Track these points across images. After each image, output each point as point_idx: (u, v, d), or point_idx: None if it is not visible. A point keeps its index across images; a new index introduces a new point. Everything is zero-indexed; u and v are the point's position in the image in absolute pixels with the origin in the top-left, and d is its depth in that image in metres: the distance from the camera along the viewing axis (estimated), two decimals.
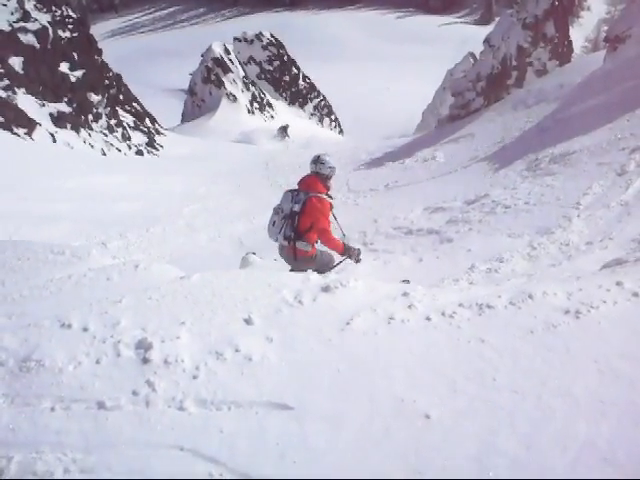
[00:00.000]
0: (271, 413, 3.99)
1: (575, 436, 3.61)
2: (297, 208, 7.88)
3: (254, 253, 11.28)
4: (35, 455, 3.77)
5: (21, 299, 5.88)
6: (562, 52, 29.37)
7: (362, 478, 3.50)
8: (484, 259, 10.48)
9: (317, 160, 8.16)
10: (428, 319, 4.94)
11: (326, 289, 5.38)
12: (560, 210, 12.17)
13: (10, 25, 26.12)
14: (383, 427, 3.83)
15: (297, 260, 8.16)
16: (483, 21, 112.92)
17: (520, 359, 4.38)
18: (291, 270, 8.16)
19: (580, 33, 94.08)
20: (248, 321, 4.89)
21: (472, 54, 35.08)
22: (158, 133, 34.76)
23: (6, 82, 25.03)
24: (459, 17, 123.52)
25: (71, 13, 30.53)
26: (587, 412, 3.82)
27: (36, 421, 4.03)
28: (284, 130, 43.26)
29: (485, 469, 3.46)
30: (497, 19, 35.98)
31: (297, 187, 8.14)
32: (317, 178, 8.10)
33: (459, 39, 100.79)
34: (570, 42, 31.16)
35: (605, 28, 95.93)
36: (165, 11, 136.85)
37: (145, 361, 4.49)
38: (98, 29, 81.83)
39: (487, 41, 30.12)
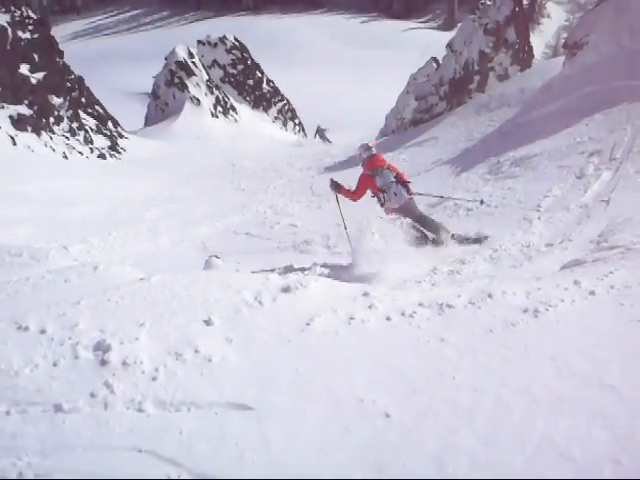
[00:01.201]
0: (230, 414, 3.98)
1: (533, 433, 3.66)
2: (393, 177, 10.76)
3: (217, 257, 11.24)
4: None
5: None
6: (523, 57, 29.77)
7: (322, 478, 3.50)
8: (446, 261, 10.54)
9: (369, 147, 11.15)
10: (388, 319, 4.97)
11: (286, 290, 5.39)
12: (521, 212, 12.33)
13: None
14: (343, 426, 3.83)
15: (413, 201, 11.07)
16: (446, 26, 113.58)
17: (479, 358, 4.42)
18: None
19: (540, 39, 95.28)
20: (208, 322, 4.88)
21: (435, 59, 35.30)
22: (121, 136, 34.43)
23: None
24: (422, 22, 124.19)
25: (31, 14, 30.05)
26: (545, 409, 3.86)
27: None
28: (323, 133, 43.43)
29: (444, 467, 3.49)
30: (459, 25, 36.33)
31: (379, 167, 10.79)
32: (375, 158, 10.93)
33: (422, 44, 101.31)
34: (531, 48, 31.59)
35: (564, 35, 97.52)
36: (128, 14, 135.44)
37: (103, 363, 4.45)
38: (60, 31, 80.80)
39: (450, 46, 30.40)
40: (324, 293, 5.47)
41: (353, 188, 11.11)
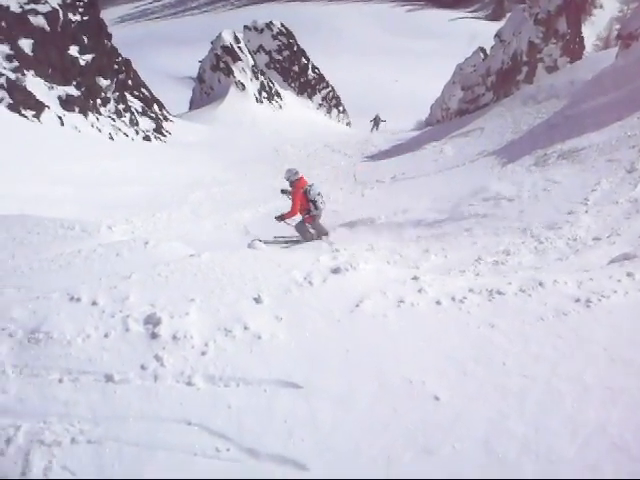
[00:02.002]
0: (279, 391, 4.00)
1: (585, 421, 3.61)
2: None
3: (260, 240, 11.27)
4: (43, 425, 3.78)
5: (30, 272, 5.89)
6: (573, 49, 29.22)
7: (371, 458, 3.50)
8: (491, 252, 10.44)
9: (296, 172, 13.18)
10: (438, 303, 4.94)
11: (336, 271, 5.39)
12: (568, 205, 12.12)
13: (21, 7, 25.98)
14: (392, 408, 3.83)
15: None
16: (494, 16, 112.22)
17: (530, 345, 4.38)
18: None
19: (592, 31, 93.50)
20: (257, 300, 4.90)
21: (482, 49, 34.92)
22: (166, 119, 34.69)
23: (15, 64, 24.95)
24: (470, 12, 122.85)
25: None
26: (597, 398, 3.81)
27: (44, 392, 4.04)
28: (377, 121, 43.52)
29: (494, 451, 3.46)
30: (508, 15, 35.80)
31: (306, 185, 13.03)
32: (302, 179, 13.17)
33: (469, 34, 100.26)
34: (582, 39, 30.97)
35: (617, 26, 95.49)
36: None
37: (154, 336, 4.50)
38: (108, 14, 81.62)
39: (498, 36, 29.98)
40: (373, 275, 5.46)
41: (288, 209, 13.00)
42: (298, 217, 13.24)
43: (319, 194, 13.01)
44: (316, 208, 13.00)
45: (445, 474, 3.38)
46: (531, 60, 27.66)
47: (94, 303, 4.88)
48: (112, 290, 5.04)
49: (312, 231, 13.43)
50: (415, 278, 5.37)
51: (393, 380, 4.06)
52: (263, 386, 4.03)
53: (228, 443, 3.60)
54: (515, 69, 27.86)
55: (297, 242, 13.49)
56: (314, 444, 3.59)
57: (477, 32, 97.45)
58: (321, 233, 13.43)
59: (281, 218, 13.07)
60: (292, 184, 13.00)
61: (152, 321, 4.64)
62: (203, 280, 5.21)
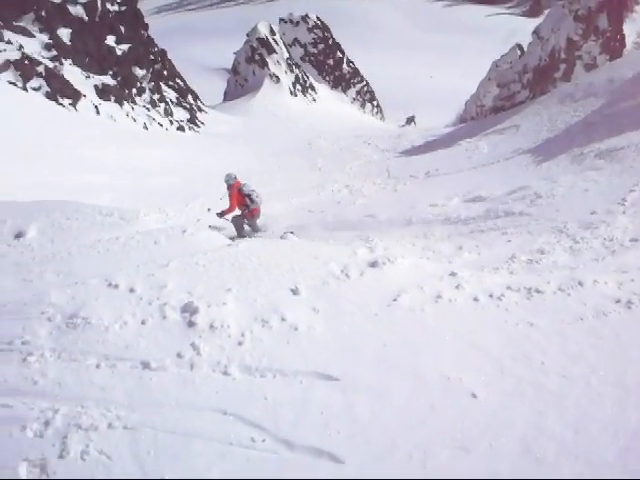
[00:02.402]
0: (316, 383, 3.98)
1: (626, 424, 3.56)
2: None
3: (292, 232, 11.26)
4: (80, 409, 3.81)
5: (69, 257, 5.95)
6: (614, 46, 28.73)
7: (407, 452, 3.47)
8: (525, 250, 10.31)
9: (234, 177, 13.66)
10: (476, 300, 4.90)
11: (373, 264, 5.36)
12: (604, 205, 11.93)
13: None
14: (429, 403, 3.80)
15: None
16: (531, 13, 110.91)
17: (569, 344, 4.32)
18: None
19: (633, 28, 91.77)
20: (294, 291, 4.89)
21: (519, 46, 34.57)
22: (200, 110, 34.88)
23: (54, 53, 25.25)
24: (507, 8, 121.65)
25: None
26: (638, 401, 3.75)
27: (82, 376, 4.07)
28: (411, 120, 43.54)
29: (531, 450, 3.42)
30: (547, 11, 35.36)
31: (240, 185, 13.55)
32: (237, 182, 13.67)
33: (505, 30, 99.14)
34: (623, 36, 30.45)
35: None
36: None
37: (191, 324, 4.52)
38: (145, 5, 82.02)
39: (536, 32, 29.61)
40: (411, 270, 5.42)
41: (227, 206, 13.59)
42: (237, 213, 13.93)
43: (253, 190, 13.80)
44: (252, 202, 13.75)
45: (482, 472, 3.35)
46: (569, 57, 27.27)
47: (132, 290, 4.91)
48: (150, 277, 5.06)
49: (247, 228, 14.28)
50: (453, 274, 5.32)
51: (430, 376, 4.03)
52: (299, 378, 4.02)
53: (264, 434, 3.60)
54: (553, 66, 27.50)
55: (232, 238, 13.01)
56: (350, 437, 3.57)
57: (514, 28, 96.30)
58: (255, 230, 14.36)
59: (221, 214, 13.84)
60: (230, 187, 13.75)
61: (189, 309, 4.65)
62: (240, 270, 5.21)
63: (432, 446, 3.50)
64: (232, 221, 14.07)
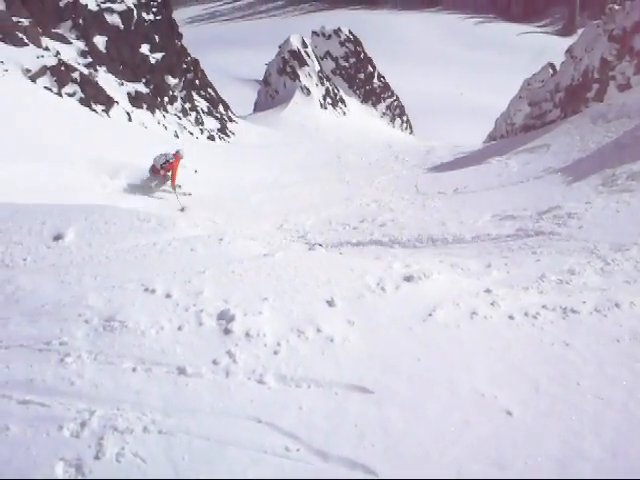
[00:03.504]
0: (351, 395, 4.00)
1: None
2: None
3: (320, 245, 11.28)
4: (116, 412, 3.86)
5: (106, 261, 6.02)
6: None
7: (441, 468, 3.47)
8: (554, 270, 10.23)
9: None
10: (511, 318, 4.89)
11: (409, 279, 5.37)
12: (636, 228, 11.82)
13: (98, 5, 26.66)
14: (463, 419, 3.80)
15: None
16: (564, 32, 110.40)
17: (605, 366, 4.29)
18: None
19: None
20: (330, 303, 4.92)
21: (551, 64, 34.42)
22: (230, 120, 35.11)
23: (89, 60, 25.57)
24: (540, 26, 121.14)
25: None
26: None
27: (118, 379, 4.12)
28: None
29: (567, 470, 3.40)
30: (579, 31, 35.20)
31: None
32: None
33: (536, 49, 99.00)
34: None
35: None
36: (245, 1, 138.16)
37: (227, 332, 4.56)
38: (179, 14, 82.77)
39: (569, 51, 29.43)
40: (446, 286, 5.42)
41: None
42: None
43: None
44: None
45: None
46: (602, 77, 27.04)
47: (168, 295, 4.96)
48: (186, 284, 5.12)
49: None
50: (488, 291, 5.32)
51: (465, 391, 4.03)
52: (334, 389, 4.04)
53: (298, 443, 3.62)
54: (585, 86, 27.29)
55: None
56: (384, 450, 3.58)
57: (545, 47, 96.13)
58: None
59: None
60: (174, 158, 17.36)
61: (225, 317, 4.69)
62: (276, 280, 5.25)
63: (466, 461, 3.49)
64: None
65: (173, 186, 17.33)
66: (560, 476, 3.40)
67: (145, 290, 5.02)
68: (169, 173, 17.38)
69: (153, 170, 17.36)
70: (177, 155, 17.69)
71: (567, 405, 3.91)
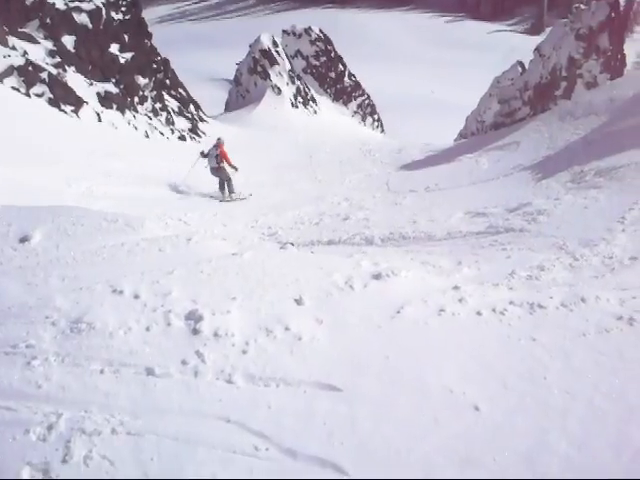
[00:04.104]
0: (319, 393, 4.01)
1: (629, 441, 3.58)
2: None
3: (292, 244, 11.28)
4: (84, 414, 3.83)
5: (74, 263, 5.97)
6: (614, 66, 28.80)
7: (410, 465, 3.49)
8: (524, 266, 10.32)
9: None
10: (479, 314, 4.93)
11: (377, 277, 5.39)
12: (604, 223, 11.96)
13: (66, 4, 26.35)
14: (432, 416, 3.82)
15: None
16: (533, 31, 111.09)
17: (572, 361, 4.35)
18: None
19: (633, 49, 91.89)
20: (299, 301, 4.92)
21: (520, 63, 34.60)
22: (201, 120, 34.90)
23: (58, 60, 25.28)
24: (509, 25, 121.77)
25: None
26: None
27: (85, 381, 4.09)
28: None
29: (535, 465, 3.44)
30: (548, 29, 35.48)
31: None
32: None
33: (506, 47, 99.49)
34: (623, 56, 30.51)
35: None
36: (214, 1, 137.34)
37: (195, 332, 4.54)
38: (148, 14, 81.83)
39: (538, 50, 29.67)
40: (414, 283, 5.46)
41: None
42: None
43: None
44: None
45: None
46: (570, 75, 27.35)
47: (136, 296, 4.93)
48: (154, 284, 5.09)
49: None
50: (456, 288, 5.36)
51: (433, 388, 4.05)
52: (303, 387, 4.04)
53: (267, 442, 3.62)
54: (553, 84, 27.57)
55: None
56: (353, 448, 3.59)
57: (514, 46, 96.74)
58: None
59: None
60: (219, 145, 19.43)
61: (194, 317, 4.68)
62: (245, 279, 5.24)
63: (436, 458, 3.52)
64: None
65: (233, 166, 19.82)
66: (528, 470, 3.43)
67: (113, 291, 4.99)
68: (223, 163, 19.56)
69: (216, 170, 19.57)
70: (219, 143, 19.79)
71: (534, 400, 3.96)
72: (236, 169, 19.95)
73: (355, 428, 3.72)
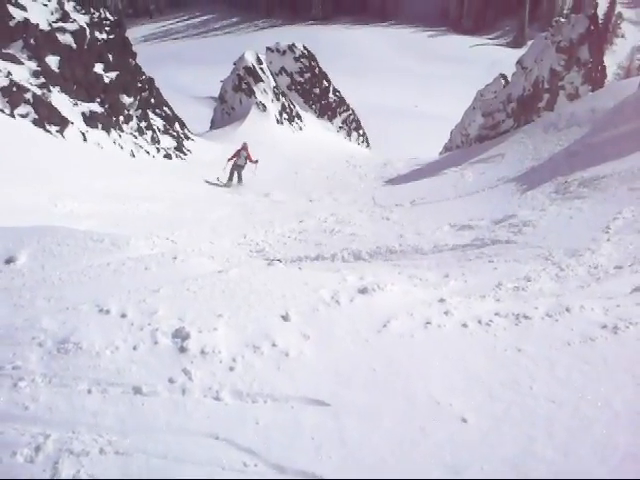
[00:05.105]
0: (307, 408, 4.02)
1: (614, 447, 3.61)
2: None
3: (280, 260, 11.29)
4: (72, 434, 3.82)
5: (60, 283, 5.96)
6: (595, 77, 29.09)
7: (399, 475, 3.51)
8: (511, 278, 10.39)
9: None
10: (464, 326, 4.96)
11: (363, 291, 5.42)
12: (589, 233, 12.06)
13: (49, 25, 26.35)
14: (419, 427, 3.85)
15: None
16: (515, 44, 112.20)
17: (557, 370, 4.39)
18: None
19: (613, 60, 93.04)
20: (285, 317, 4.94)
21: (503, 75, 34.90)
22: (187, 138, 34.90)
23: (42, 80, 25.25)
24: (491, 39, 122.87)
25: (109, 15, 30.80)
26: (626, 424, 3.81)
27: (73, 402, 4.08)
28: None
29: (522, 473, 3.46)
30: (529, 42, 35.82)
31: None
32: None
33: (489, 60, 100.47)
34: (604, 67, 30.83)
35: (639, 56, 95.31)
36: (198, 19, 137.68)
37: (182, 350, 4.55)
38: (132, 33, 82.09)
39: (520, 63, 29.97)
40: (400, 296, 5.49)
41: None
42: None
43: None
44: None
45: None
46: (552, 87, 27.62)
47: (123, 315, 4.94)
48: (141, 303, 5.09)
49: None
50: (441, 300, 5.40)
51: (420, 400, 4.08)
52: (290, 403, 4.06)
53: (255, 458, 3.63)
54: (536, 96, 27.83)
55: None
56: (341, 461, 3.61)
57: (496, 59, 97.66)
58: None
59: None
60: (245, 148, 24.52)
61: (181, 335, 4.69)
62: (231, 296, 5.26)
63: (423, 468, 3.54)
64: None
65: (254, 161, 25.39)
66: (515, 477, 3.46)
67: (99, 311, 4.99)
68: (251, 161, 25.24)
69: (241, 166, 25.43)
70: (244, 146, 25.53)
71: (520, 409, 3.99)
72: (257, 162, 25.34)
73: (343, 441, 3.74)
